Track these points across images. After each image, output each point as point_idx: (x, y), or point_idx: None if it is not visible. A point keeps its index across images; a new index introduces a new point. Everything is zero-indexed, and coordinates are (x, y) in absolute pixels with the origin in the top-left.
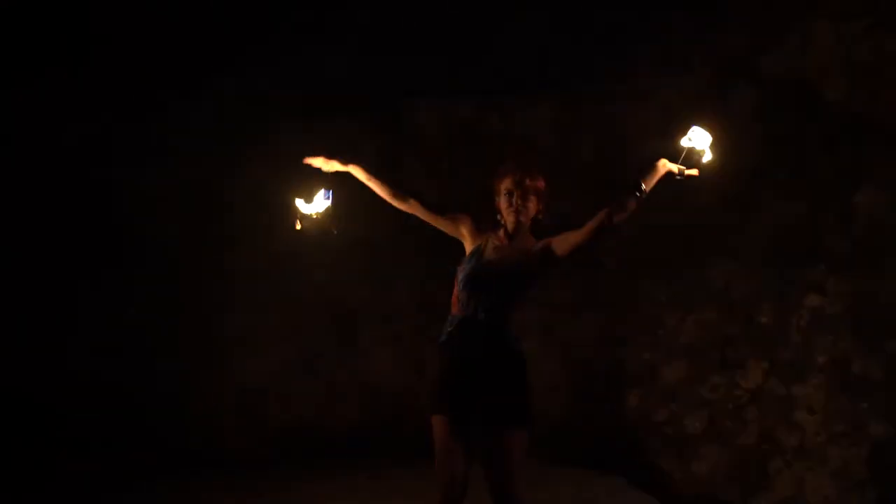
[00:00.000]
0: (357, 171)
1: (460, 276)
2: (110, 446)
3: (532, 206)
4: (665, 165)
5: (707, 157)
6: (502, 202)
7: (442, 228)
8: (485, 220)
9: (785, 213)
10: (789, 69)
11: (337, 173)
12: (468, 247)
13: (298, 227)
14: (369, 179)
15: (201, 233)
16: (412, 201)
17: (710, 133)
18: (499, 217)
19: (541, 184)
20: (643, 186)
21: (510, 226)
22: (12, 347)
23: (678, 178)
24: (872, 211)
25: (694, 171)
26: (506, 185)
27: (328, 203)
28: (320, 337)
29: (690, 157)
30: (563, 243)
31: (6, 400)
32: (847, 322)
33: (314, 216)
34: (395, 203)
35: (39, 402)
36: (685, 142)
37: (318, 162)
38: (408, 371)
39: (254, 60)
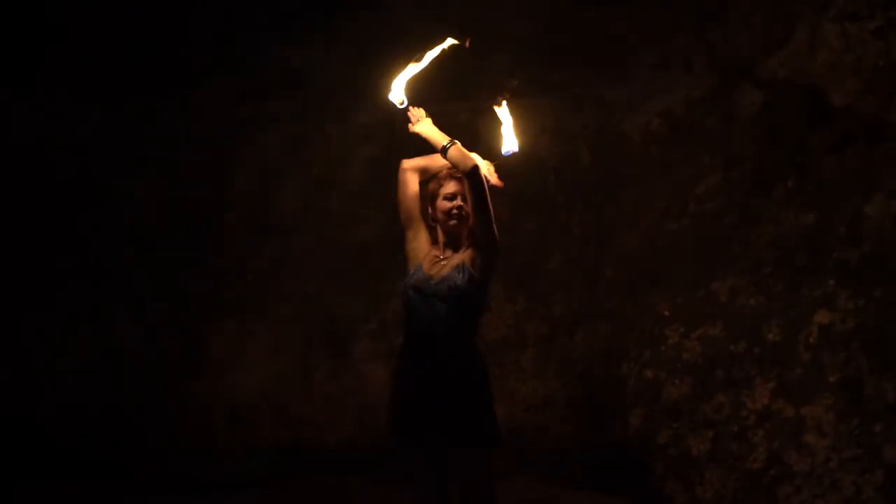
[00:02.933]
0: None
1: (404, 293)
2: (98, 466)
3: (463, 209)
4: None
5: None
6: (440, 208)
7: (407, 207)
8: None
9: (792, 224)
10: (796, 71)
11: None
12: (413, 259)
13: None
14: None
15: (190, 244)
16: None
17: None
18: (435, 225)
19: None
20: (444, 145)
21: (448, 233)
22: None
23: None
24: (884, 221)
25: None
26: (446, 189)
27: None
28: (313, 351)
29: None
30: (475, 234)
31: None
32: (859, 339)
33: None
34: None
35: (26, 421)
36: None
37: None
38: None
39: (242, 64)
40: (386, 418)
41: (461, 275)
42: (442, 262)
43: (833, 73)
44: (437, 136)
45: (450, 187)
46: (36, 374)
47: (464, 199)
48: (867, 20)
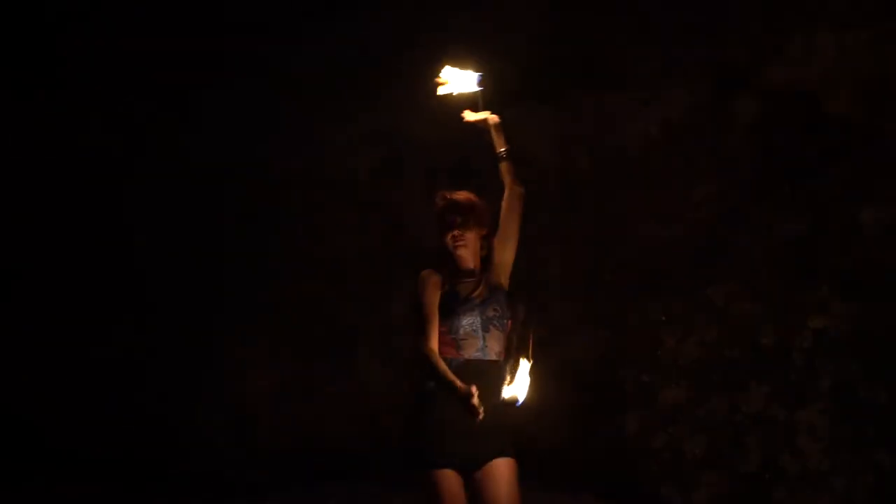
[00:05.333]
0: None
1: (447, 321)
2: (100, 468)
3: (473, 233)
4: (472, 118)
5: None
6: (446, 239)
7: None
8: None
9: (787, 230)
10: (791, 80)
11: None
12: (442, 292)
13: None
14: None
15: (196, 249)
16: (433, 339)
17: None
18: (449, 255)
19: (475, 208)
20: (499, 150)
21: (463, 259)
22: (5, 364)
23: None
24: (878, 228)
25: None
26: (448, 218)
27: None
28: (315, 356)
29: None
30: (501, 240)
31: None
32: (852, 344)
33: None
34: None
35: (29, 423)
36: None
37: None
38: (404, 389)
39: (247, 71)
40: (418, 446)
41: (501, 295)
42: (478, 285)
43: (828, 83)
44: (500, 138)
45: (450, 217)
46: (40, 377)
47: (459, 228)
48: (861, 30)
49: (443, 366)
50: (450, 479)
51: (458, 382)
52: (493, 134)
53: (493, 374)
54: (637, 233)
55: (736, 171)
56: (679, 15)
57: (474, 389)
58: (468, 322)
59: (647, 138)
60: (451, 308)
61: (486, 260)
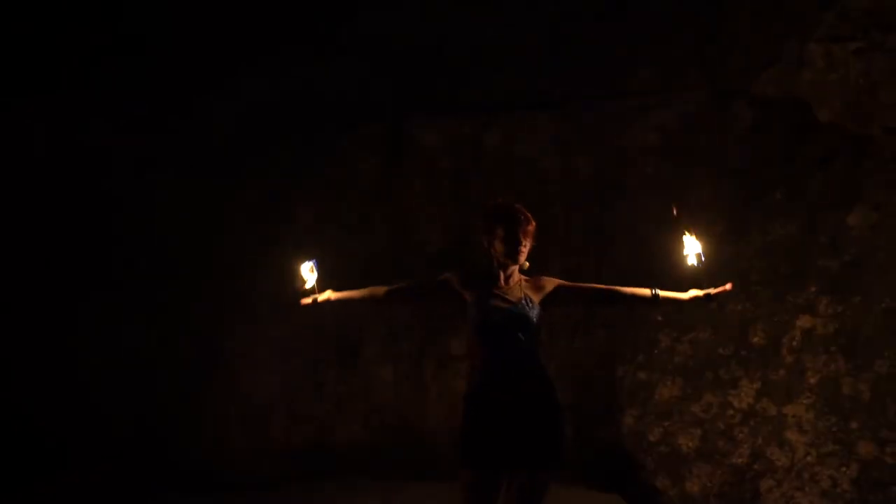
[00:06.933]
0: (331, 295)
1: (473, 327)
2: (111, 465)
3: (527, 248)
4: (691, 294)
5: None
6: (498, 246)
7: (433, 299)
8: (472, 267)
9: (778, 234)
10: (784, 89)
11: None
12: (468, 298)
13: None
14: (345, 296)
15: (204, 250)
16: (388, 291)
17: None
18: (492, 260)
19: (533, 226)
20: (659, 293)
21: (508, 268)
22: (13, 363)
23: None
24: (864, 231)
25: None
26: (504, 228)
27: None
28: (323, 355)
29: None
30: (569, 294)
31: (6, 416)
32: (838, 343)
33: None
34: (378, 303)
35: (40, 418)
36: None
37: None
38: (410, 389)
39: (252, 75)
40: (461, 446)
41: (528, 304)
42: (509, 294)
43: (818, 92)
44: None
45: (507, 226)
46: (50, 373)
47: (521, 239)
48: (849, 41)
49: (347, 294)
50: (475, 479)
51: (327, 294)
52: (687, 294)
53: (518, 380)
54: (635, 237)
55: (730, 176)
56: (678, 24)
57: (314, 297)
58: (496, 331)
59: (645, 144)
60: (481, 316)
61: (523, 276)
